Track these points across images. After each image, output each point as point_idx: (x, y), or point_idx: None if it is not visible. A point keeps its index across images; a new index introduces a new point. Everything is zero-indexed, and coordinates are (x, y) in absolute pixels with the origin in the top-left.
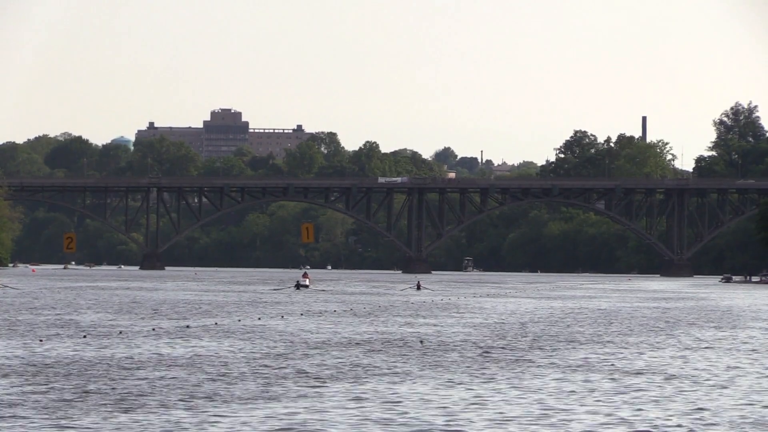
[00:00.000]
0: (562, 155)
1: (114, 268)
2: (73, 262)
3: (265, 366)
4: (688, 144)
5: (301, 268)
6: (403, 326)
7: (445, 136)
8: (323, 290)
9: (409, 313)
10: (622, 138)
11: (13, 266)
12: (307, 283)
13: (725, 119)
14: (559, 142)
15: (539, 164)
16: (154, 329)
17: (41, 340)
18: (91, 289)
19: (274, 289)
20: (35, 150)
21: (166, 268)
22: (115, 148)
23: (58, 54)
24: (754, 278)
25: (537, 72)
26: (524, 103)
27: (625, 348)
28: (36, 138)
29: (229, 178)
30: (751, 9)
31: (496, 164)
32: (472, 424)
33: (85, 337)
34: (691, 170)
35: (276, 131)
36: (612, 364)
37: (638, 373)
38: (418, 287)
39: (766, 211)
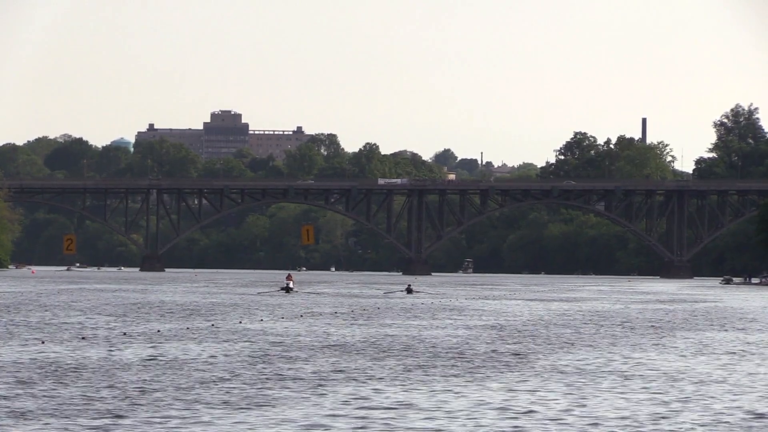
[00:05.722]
0: (562, 157)
1: (114, 269)
2: (78, 264)
3: (254, 369)
4: (688, 146)
5: (298, 270)
6: (385, 328)
7: (445, 138)
8: (305, 293)
9: (393, 315)
10: (622, 139)
11: (16, 267)
12: (291, 285)
13: (725, 121)
14: (559, 144)
15: (539, 166)
16: (159, 331)
17: (43, 342)
18: (61, 293)
19: (262, 292)
20: (35, 151)
21: (166, 269)
22: (115, 149)
23: (58, 55)
24: (754, 280)
25: (537, 73)
26: (524, 104)
27: (622, 351)
28: (36, 139)
29: (229, 179)
30: (751, 10)
31: (496, 166)
32: (466, 427)
33: (84, 338)
34: (691, 172)
35: (276, 133)
36: (607, 367)
37: (634, 376)
38: (409, 290)
39: (765, 213)
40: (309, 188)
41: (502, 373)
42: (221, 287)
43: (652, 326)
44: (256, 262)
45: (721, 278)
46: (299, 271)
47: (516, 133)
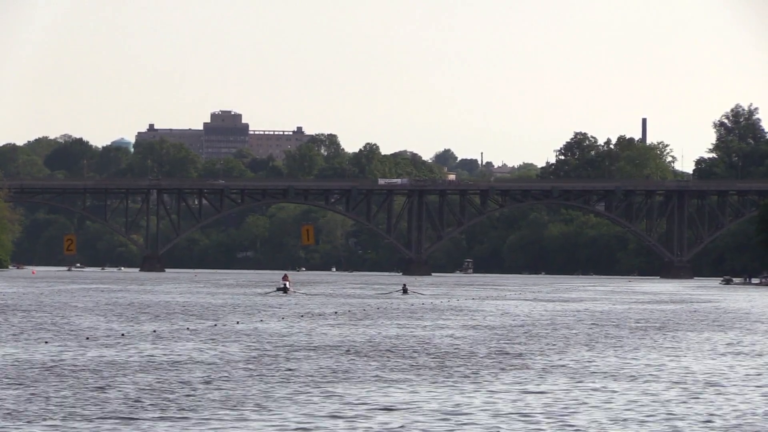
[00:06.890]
0: (562, 157)
1: (114, 269)
2: (78, 264)
3: (252, 369)
4: (688, 146)
5: (297, 270)
6: (384, 328)
7: (445, 138)
8: (300, 293)
9: (391, 316)
10: (622, 140)
11: (17, 267)
12: (287, 285)
13: (725, 121)
14: (559, 144)
15: (539, 166)
16: (155, 331)
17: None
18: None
19: (265, 293)
20: (35, 152)
21: (166, 270)
22: (115, 149)
23: (58, 55)
24: (754, 280)
25: (537, 74)
26: (524, 104)
27: (621, 351)
28: (36, 140)
29: (229, 179)
30: (751, 10)
31: (496, 166)
32: (465, 427)
33: (87, 339)
34: (691, 172)
35: (276, 133)
36: (606, 368)
37: (631, 377)
38: (405, 291)
39: (766, 213)
40: (309, 188)
41: (500, 372)
42: (221, 287)
43: (651, 326)
44: (255, 262)
45: (721, 278)
46: (299, 271)
47: (516, 133)
